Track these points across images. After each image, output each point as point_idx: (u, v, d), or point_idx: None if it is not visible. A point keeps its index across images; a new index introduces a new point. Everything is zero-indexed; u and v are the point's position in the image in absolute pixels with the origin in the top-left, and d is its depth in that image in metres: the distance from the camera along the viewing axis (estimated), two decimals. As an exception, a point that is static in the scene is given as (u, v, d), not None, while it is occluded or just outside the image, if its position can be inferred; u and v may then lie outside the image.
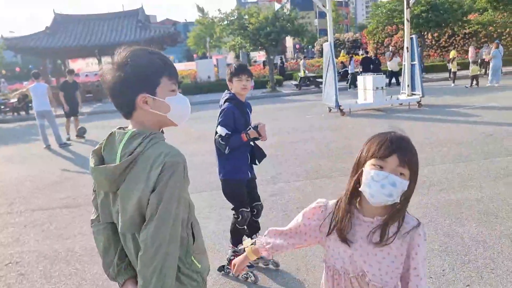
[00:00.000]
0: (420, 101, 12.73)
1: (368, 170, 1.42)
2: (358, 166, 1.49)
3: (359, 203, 1.54)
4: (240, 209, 3.47)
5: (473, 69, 16.66)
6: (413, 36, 13.63)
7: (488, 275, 3.34)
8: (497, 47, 16.97)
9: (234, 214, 3.53)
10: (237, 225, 3.52)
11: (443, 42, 27.38)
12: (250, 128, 3.35)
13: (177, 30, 26.43)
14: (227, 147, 3.29)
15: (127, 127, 1.56)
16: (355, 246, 1.51)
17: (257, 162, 3.56)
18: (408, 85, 13.51)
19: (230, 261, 3.60)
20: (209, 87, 22.94)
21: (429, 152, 7.13)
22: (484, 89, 15.88)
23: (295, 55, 46.35)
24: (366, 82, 12.96)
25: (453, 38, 27.23)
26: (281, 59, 28.86)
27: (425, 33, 25.47)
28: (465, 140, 7.85)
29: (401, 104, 13.16)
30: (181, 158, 1.45)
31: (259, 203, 3.68)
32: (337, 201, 1.59)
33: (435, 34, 26.93)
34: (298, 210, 4.99)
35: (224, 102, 3.45)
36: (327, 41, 13.11)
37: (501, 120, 9.39)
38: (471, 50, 20.36)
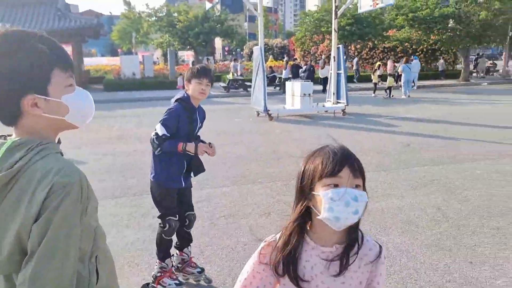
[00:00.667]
0: (344, 109, 13.18)
1: (324, 192, 1.21)
2: (303, 193, 1.28)
3: (312, 232, 1.32)
4: (167, 218, 3.16)
5: (389, 81, 17.89)
6: (340, 46, 14.11)
7: (412, 286, 3.37)
8: (406, 62, 18.78)
9: (160, 223, 3.21)
10: (163, 235, 3.20)
11: (365, 54, 28.90)
12: (197, 142, 3.11)
13: (100, 22, 24.98)
14: (159, 149, 3.00)
15: (10, 135, 1.20)
16: (315, 283, 1.29)
17: (192, 174, 3.28)
18: (333, 93, 13.95)
19: (156, 278, 3.27)
20: (133, 84, 21.94)
21: (353, 160, 7.29)
22: (401, 100, 16.98)
23: (230, 57, 46.15)
24: (294, 88, 13.15)
25: (374, 51, 28.88)
26: (208, 60, 28.39)
27: (349, 44, 26.71)
28: (386, 149, 8.17)
29: (326, 111, 13.52)
30: (76, 176, 1.12)
31: (192, 213, 3.41)
32: (285, 236, 1.33)
33: (358, 46, 28.36)
34: (225, 218, 4.80)
35: (175, 101, 3.12)
36: (257, 44, 13.10)
37: (418, 131, 9.98)
38: (389, 63, 21.73)
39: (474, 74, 28.75)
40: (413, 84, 21.52)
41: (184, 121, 3.06)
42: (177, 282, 3.27)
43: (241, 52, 48.34)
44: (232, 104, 16.83)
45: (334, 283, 1.28)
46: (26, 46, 1.12)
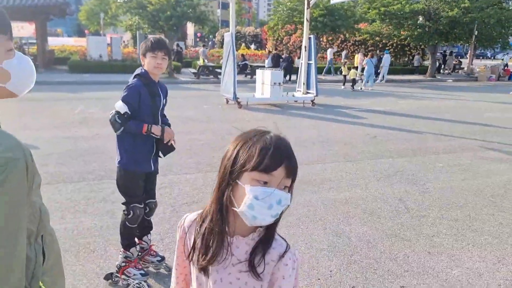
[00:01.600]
0: (314, 99, 13.21)
1: (250, 188, 1.08)
2: (229, 177, 1.12)
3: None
4: (132, 205, 3.02)
5: (351, 73, 18.18)
6: (311, 36, 14.07)
7: (371, 275, 3.38)
8: (372, 57, 19.09)
9: (124, 210, 3.06)
10: (127, 223, 3.06)
11: (336, 46, 29.08)
12: (163, 125, 3.01)
13: (66, 1, 23.98)
14: (122, 128, 2.82)
15: None
16: (220, 275, 1.19)
17: (161, 154, 3.13)
18: (304, 83, 13.94)
19: (120, 268, 3.14)
20: (100, 67, 21.24)
21: (320, 150, 7.32)
22: (369, 93, 17.22)
23: (210, 44, 45.23)
24: (265, 77, 13.06)
25: (345, 43, 29.11)
26: (177, 45, 27.57)
27: (321, 36, 26.77)
28: (353, 140, 8.23)
29: (296, 101, 13.52)
30: (20, 152, 0.99)
31: (154, 200, 3.28)
32: (200, 219, 1.23)
33: (330, 38, 28.49)
34: (188, 205, 4.69)
35: (133, 77, 2.93)
36: (229, 31, 12.89)
37: (384, 124, 10.12)
38: (360, 56, 21.99)
39: (443, 71, 29.48)
40: (382, 78, 21.90)
41: (146, 97, 2.89)
42: (142, 272, 3.15)
43: (213, 39, 47.71)
44: (202, 91, 16.59)
45: (236, 279, 1.19)
46: None
